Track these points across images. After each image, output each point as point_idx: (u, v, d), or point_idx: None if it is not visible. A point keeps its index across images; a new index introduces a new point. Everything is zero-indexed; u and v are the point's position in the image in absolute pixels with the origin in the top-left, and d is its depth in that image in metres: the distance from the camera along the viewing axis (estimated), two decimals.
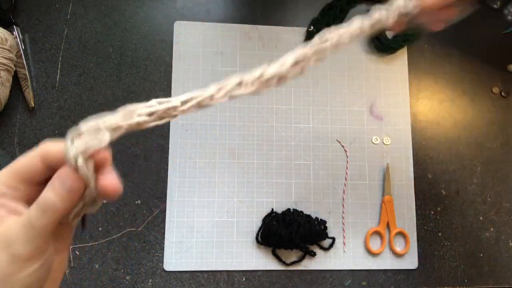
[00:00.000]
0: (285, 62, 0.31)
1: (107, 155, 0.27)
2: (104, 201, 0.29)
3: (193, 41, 0.63)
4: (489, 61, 0.68)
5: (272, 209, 0.60)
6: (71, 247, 0.57)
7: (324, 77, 0.65)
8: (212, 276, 0.58)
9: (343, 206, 0.62)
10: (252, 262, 0.59)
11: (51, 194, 0.24)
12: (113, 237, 0.58)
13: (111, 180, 0.26)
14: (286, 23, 0.66)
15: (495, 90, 0.67)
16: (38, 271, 0.24)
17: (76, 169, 0.24)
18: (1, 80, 0.55)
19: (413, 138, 0.65)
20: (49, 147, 0.26)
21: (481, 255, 0.63)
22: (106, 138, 0.27)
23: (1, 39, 0.55)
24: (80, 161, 0.25)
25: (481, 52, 0.68)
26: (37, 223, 0.24)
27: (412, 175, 0.63)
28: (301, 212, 0.60)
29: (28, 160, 0.26)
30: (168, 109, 0.28)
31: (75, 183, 0.25)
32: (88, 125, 0.26)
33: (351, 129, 0.64)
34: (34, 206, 0.24)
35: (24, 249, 0.23)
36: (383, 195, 0.62)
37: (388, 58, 0.66)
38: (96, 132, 0.27)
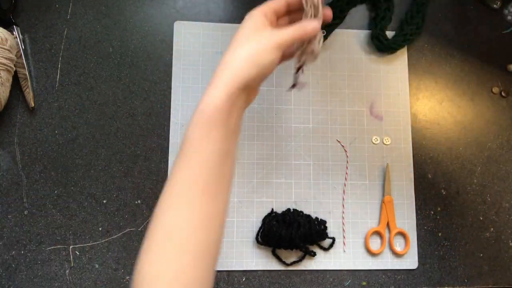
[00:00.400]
0: None
1: None
2: (317, 57, 0.45)
3: (193, 41, 0.63)
4: (489, 61, 0.68)
5: (272, 209, 0.60)
6: (71, 247, 0.57)
7: (324, 77, 0.65)
8: None
9: (343, 206, 0.62)
10: (252, 262, 0.59)
11: (307, 23, 0.42)
12: (113, 237, 0.58)
13: (327, 10, 0.45)
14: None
15: (495, 90, 0.67)
16: (277, 58, 0.41)
17: None
18: (1, 80, 0.55)
19: (413, 138, 0.65)
20: None
21: (481, 255, 0.63)
22: None
23: (1, 39, 0.55)
24: None
25: (481, 52, 0.68)
26: (294, 32, 0.41)
27: (412, 175, 0.64)
28: (301, 212, 0.60)
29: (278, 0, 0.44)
30: None
31: (317, 27, 0.43)
32: None
33: (351, 129, 0.64)
34: (295, 25, 0.42)
35: (281, 41, 0.41)
36: (383, 195, 0.62)
37: (388, 58, 0.66)
38: None
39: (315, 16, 0.42)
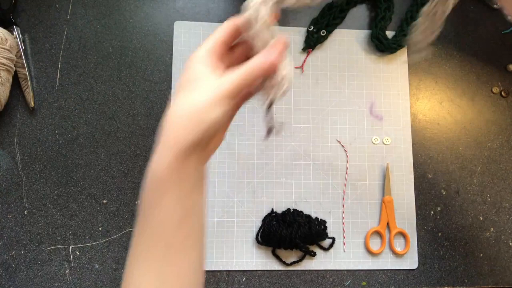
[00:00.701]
0: None
1: (279, 13, 0.36)
2: (286, 90, 0.35)
3: (193, 41, 0.63)
4: (489, 61, 0.68)
5: (272, 209, 0.60)
6: (71, 247, 0.57)
7: (324, 77, 0.65)
8: (212, 276, 0.58)
9: (343, 206, 0.62)
10: (252, 262, 0.59)
11: (262, 59, 0.34)
12: (113, 237, 0.58)
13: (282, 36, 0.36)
14: (286, 23, 0.66)
15: (495, 90, 0.67)
16: (227, 112, 0.34)
17: (258, 16, 0.33)
18: (1, 80, 0.55)
19: (413, 138, 0.65)
20: (236, 17, 0.36)
21: (481, 255, 0.63)
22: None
23: (1, 39, 0.55)
24: (263, 11, 0.33)
25: (481, 52, 0.68)
26: (243, 77, 0.34)
27: (412, 175, 0.63)
28: (301, 212, 0.60)
29: (225, 27, 0.37)
30: None
31: (278, 56, 0.34)
32: None
33: (351, 129, 0.64)
34: (245, 65, 0.34)
35: (227, 92, 0.34)
36: (383, 195, 0.62)
37: (388, 58, 0.66)
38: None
39: (266, 44, 0.34)
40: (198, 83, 0.35)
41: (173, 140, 0.36)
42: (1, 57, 0.54)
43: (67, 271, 0.57)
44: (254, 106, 0.63)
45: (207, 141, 0.37)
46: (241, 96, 0.39)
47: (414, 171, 0.64)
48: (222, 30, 0.37)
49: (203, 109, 0.34)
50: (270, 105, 0.37)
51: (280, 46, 0.35)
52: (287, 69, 0.35)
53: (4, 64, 0.55)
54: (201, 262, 0.40)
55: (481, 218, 0.64)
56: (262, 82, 0.35)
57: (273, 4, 0.34)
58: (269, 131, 0.39)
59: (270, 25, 0.34)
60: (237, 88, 0.34)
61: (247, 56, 0.37)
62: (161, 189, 0.36)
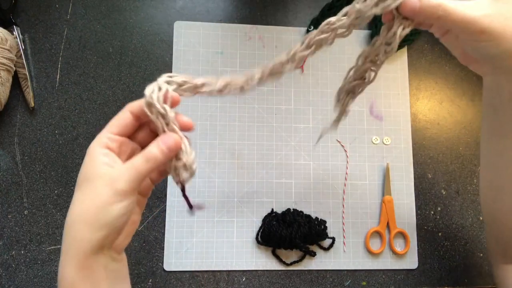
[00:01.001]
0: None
1: (179, 98, 0.35)
2: (194, 170, 0.35)
3: (193, 41, 0.63)
4: None
5: (272, 209, 0.60)
6: None
7: (324, 77, 0.65)
8: (212, 276, 0.58)
9: (343, 206, 0.62)
10: (252, 262, 0.59)
11: (155, 149, 0.33)
12: None
13: (184, 118, 0.35)
14: (286, 23, 0.66)
15: None
16: (128, 206, 0.32)
17: (152, 104, 0.32)
18: (1, 80, 0.55)
19: (413, 138, 0.65)
20: (133, 103, 0.35)
21: (481, 255, 0.63)
22: (171, 87, 0.34)
23: (1, 39, 0.55)
24: (155, 97, 0.32)
25: None
26: (140, 168, 0.32)
27: (412, 175, 0.63)
28: (301, 212, 0.60)
29: (121, 115, 0.35)
30: (196, 86, 0.35)
31: (173, 143, 0.33)
32: (162, 77, 0.34)
33: (351, 129, 0.64)
34: (140, 155, 0.33)
35: (124, 186, 0.32)
36: (383, 195, 0.62)
37: (388, 58, 0.66)
38: (167, 82, 0.34)
39: (167, 125, 0.33)
40: (94, 182, 0.32)
41: (74, 247, 0.32)
42: (1, 57, 0.54)
43: None
44: (254, 106, 0.63)
45: (112, 239, 0.34)
46: (143, 186, 0.38)
47: (414, 171, 0.64)
48: (117, 121, 0.35)
49: (100, 210, 0.31)
50: (182, 188, 0.35)
51: (168, 140, 0.33)
52: (187, 158, 0.34)
53: (4, 64, 0.55)
54: None
55: (481, 218, 0.64)
56: (168, 164, 0.34)
57: (174, 90, 0.34)
58: (191, 208, 0.38)
59: (166, 113, 0.33)
60: (139, 178, 0.32)
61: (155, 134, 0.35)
62: None
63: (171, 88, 0.34)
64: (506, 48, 0.34)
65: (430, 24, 0.38)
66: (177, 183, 0.35)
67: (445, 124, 0.66)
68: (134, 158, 0.33)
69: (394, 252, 0.61)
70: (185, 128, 0.35)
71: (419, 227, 0.62)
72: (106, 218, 0.32)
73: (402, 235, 0.62)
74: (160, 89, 0.33)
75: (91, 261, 0.32)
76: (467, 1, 0.33)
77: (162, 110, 0.33)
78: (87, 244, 0.32)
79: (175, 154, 0.34)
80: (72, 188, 0.58)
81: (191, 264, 0.58)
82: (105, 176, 0.32)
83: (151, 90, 0.33)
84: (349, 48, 0.66)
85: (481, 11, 0.33)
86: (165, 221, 0.59)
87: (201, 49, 0.63)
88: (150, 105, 0.33)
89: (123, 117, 0.35)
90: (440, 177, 0.64)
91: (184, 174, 0.34)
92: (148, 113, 0.33)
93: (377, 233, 0.62)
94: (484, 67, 0.39)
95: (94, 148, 0.33)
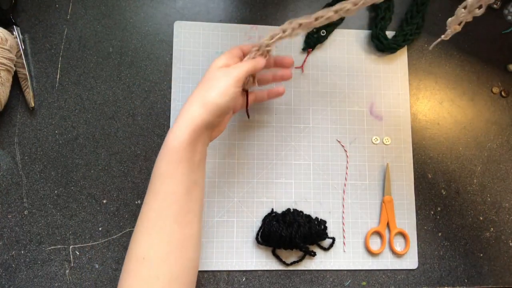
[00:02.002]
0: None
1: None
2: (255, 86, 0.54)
3: (193, 41, 0.63)
4: (489, 61, 0.68)
5: (272, 209, 0.60)
6: (71, 247, 0.57)
7: (324, 77, 0.65)
8: (212, 276, 0.58)
9: (343, 206, 0.62)
10: (252, 262, 0.59)
11: (257, 60, 0.50)
12: (113, 237, 0.58)
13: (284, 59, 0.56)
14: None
15: (495, 90, 0.67)
16: (238, 92, 0.47)
17: (263, 44, 0.51)
18: (1, 80, 0.55)
19: (413, 138, 0.65)
20: (245, 45, 0.53)
21: (481, 255, 0.63)
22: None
23: (1, 39, 0.55)
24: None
25: (481, 52, 0.68)
26: (248, 64, 0.49)
27: (412, 175, 0.64)
28: (301, 212, 0.60)
29: (235, 49, 0.51)
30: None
31: (263, 61, 0.51)
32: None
33: (351, 129, 0.64)
34: (247, 60, 0.50)
35: (239, 74, 0.47)
36: (383, 195, 0.62)
37: (388, 58, 0.66)
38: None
39: (262, 55, 0.51)
40: (214, 82, 0.47)
41: (190, 119, 0.45)
42: (1, 57, 0.54)
43: (67, 271, 0.57)
44: (254, 106, 0.63)
45: (216, 124, 0.48)
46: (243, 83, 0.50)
47: (414, 171, 0.64)
48: (230, 52, 0.51)
49: (215, 97, 0.45)
50: (244, 90, 0.56)
51: (261, 59, 0.51)
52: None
53: (4, 64, 0.55)
54: (200, 231, 0.47)
55: (481, 218, 0.64)
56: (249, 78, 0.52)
57: (295, 30, 0.49)
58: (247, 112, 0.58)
59: (269, 48, 0.51)
60: (240, 77, 0.47)
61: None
62: (176, 160, 0.44)
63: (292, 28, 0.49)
64: None
65: None
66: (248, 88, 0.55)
67: (445, 124, 0.66)
68: (243, 61, 0.50)
69: (394, 252, 0.61)
70: (283, 65, 0.56)
71: (419, 227, 0.62)
72: (219, 103, 0.45)
73: (402, 235, 0.62)
74: (284, 31, 0.49)
75: (198, 135, 0.45)
76: None
77: (266, 48, 0.51)
78: (201, 120, 0.45)
79: (262, 68, 0.51)
80: (72, 188, 0.58)
81: None
82: (225, 70, 0.47)
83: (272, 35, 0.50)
84: (349, 48, 0.66)
85: None
86: None
87: (201, 49, 0.63)
88: (262, 44, 0.51)
89: (236, 51, 0.51)
90: (440, 177, 0.64)
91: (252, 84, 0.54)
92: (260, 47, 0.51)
93: (377, 233, 0.62)
94: None
95: (212, 67, 0.49)
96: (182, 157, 0.44)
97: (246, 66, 0.48)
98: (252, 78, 0.53)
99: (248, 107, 0.57)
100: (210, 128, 0.47)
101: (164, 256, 0.42)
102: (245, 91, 0.55)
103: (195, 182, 0.46)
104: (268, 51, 0.51)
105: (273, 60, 0.55)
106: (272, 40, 0.50)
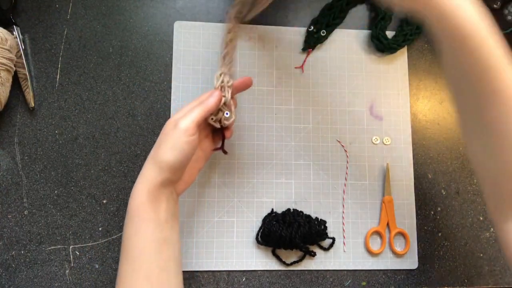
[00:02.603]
0: None
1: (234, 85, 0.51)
2: (231, 119, 0.51)
3: (193, 41, 0.63)
4: None
5: (272, 209, 0.60)
6: (71, 247, 0.57)
7: (324, 77, 0.65)
8: (212, 276, 0.58)
9: (343, 206, 0.62)
10: (252, 262, 0.59)
11: (208, 98, 0.47)
12: (113, 237, 0.58)
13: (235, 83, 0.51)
14: (286, 23, 0.66)
15: None
16: (192, 142, 0.45)
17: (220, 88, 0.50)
18: (1, 80, 0.55)
19: (413, 138, 0.65)
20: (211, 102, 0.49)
21: (481, 255, 0.63)
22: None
23: (1, 39, 0.55)
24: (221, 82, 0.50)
25: None
26: (197, 112, 0.46)
27: (412, 175, 0.64)
28: (301, 212, 0.60)
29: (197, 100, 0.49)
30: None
31: (219, 96, 0.48)
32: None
33: (351, 129, 0.64)
34: (198, 105, 0.47)
35: (187, 124, 0.44)
36: (383, 195, 0.62)
37: (388, 58, 0.66)
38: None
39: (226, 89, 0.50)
40: (163, 137, 0.46)
41: (145, 181, 0.45)
42: (1, 57, 0.54)
43: (67, 271, 0.57)
44: (254, 106, 0.63)
45: (175, 179, 0.47)
46: (200, 128, 0.49)
47: (414, 171, 0.64)
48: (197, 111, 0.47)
49: (164, 155, 0.44)
50: (221, 128, 0.52)
51: (216, 94, 0.48)
52: (229, 108, 0.51)
53: (4, 64, 0.55)
54: (178, 282, 0.46)
55: (481, 218, 0.64)
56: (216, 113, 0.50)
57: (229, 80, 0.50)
58: (217, 149, 0.54)
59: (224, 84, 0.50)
60: (189, 126, 0.44)
61: None
62: (139, 220, 0.44)
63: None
64: None
65: None
66: (219, 126, 0.51)
67: (445, 124, 0.66)
68: (192, 108, 0.46)
69: (394, 252, 0.61)
70: (240, 88, 0.53)
71: (419, 227, 0.62)
72: (174, 159, 0.44)
73: (402, 235, 0.62)
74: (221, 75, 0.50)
75: (159, 192, 0.45)
76: None
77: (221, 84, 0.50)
78: (155, 181, 0.44)
79: (219, 104, 0.48)
80: (72, 188, 0.58)
81: (191, 264, 0.58)
82: (174, 123, 0.45)
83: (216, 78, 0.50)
84: (349, 48, 0.66)
85: None
86: None
87: (201, 49, 0.63)
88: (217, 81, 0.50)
89: (194, 103, 0.49)
90: (440, 177, 0.64)
91: (224, 122, 0.50)
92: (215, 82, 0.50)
93: (377, 233, 0.62)
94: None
95: (166, 123, 0.47)
96: (144, 217, 0.43)
97: (194, 114, 0.45)
98: (220, 112, 0.50)
99: (224, 143, 0.53)
100: (170, 185, 0.46)
101: None
102: (221, 128, 0.51)
103: (165, 240, 0.44)
104: (229, 86, 0.50)
105: (235, 89, 0.52)
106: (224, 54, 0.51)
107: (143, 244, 0.43)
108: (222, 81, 0.49)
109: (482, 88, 0.37)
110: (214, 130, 0.53)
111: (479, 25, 0.35)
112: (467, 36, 0.35)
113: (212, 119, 0.50)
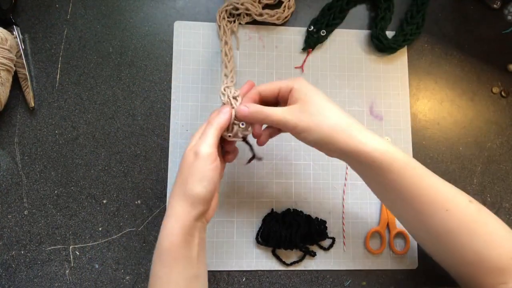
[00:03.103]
0: None
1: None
2: (249, 128, 0.49)
3: (193, 41, 0.63)
4: (489, 61, 0.68)
5: (272, 209, 0.60)
6: (71, 247, 0.57)
7: (324, 77, 0.65)
8: (212, 276, 0.58)
9: (343, 206, 0.62)
10: (252, 262, 0.59)
11: (218, 115, 0.46)
12: (113, 237, 0.58)
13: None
14: (286, 23, 0.66)
15: (495, 90, 0.67)
16: (216, 167, 0.44)
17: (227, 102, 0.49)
18: (1, 80, 0.55)
19: (413, 138, 0.65)
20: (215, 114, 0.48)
21: None
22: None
23: (1, 39, 0.55)
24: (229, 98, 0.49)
25: (481, 52, 0.68)
26: (210, 132, 0.45)
27: None
28: (301, 212, 0.60)
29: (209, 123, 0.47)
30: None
31: (229, 111, 0.47)
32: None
33: None
34: (209, 126, 0.46)
35: (207, 149, 0.43)
36: None
37: (388, 58, 0.66)
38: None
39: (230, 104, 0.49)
40: (188, 169, 0.44)
41: (178, 218, 0.43)
42: (1, 57, 0.54)
43: (67, 271, 0.57)
44: None
45: (207, 209, 0.45)
46: (219, 151, 0.49)
47: None
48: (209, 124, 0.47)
49: (194, 188, 0.43)
50: (244, 139, 0.50)
51: (226, 111, 0.47)
52: (237, 123, 0.48)
53: (4, 64, 0.55)
54: None
55: None
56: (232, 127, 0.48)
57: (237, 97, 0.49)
58: (253, 157, 0.53)
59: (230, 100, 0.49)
60: (208, 151, 0.44)
61: None
62: (171, 260, 0.43)
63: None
64: (316, 136, 0.44)
65: (261, 123, 0.49)
66: (236, 137, 0.49)
67: (445, 124, 0.66)
68: (205, 129, 0.46)
69: (394, 252, 0.61)
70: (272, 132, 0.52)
71: None
72: (206, 191, 0.43)
73: (402, 235, 0.62)
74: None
75: (193, 227, 0.44)
76: (283, 108, 0.46)
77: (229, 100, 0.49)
78: (188, 217, 0.43)
79: (230, 119, 0.47)
80: (72, 188, 0.58)
81: None
82: (194, 150, 0.44)
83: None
84: (349, 48, 0.66)
85: (291, 114, 0.44)
86: None
87: (201, 49, 0.63)
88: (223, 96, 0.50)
89: (206, 126, 0.47)
90: (440, 177, 0.64)
91: (241, 133, 0.48)
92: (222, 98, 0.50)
93: (377, 233, 0.62)
94: (324, 150, 0.47)
95: (185, 153, 0.46)
96: (176, 256, 0.43)
97: (210, 137, 0.44)
98: (234, 125, 0.48)
99: (254, 151, 0.53)
100: (202, 216, 0.45)
101: None
102: (245, 141, 0.51)
103: (196, 276, 0.44)
104: (235, 98, 0.49)
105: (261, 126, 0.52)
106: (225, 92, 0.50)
107: (175, 285, 0.43)
108: (228, 95, 0.49)
109: (392, 189, 0.46)
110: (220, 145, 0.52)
111: (380, 152, 0.44)
112: (371, 163, 0.44)
113: (229, 136, 0.48)
